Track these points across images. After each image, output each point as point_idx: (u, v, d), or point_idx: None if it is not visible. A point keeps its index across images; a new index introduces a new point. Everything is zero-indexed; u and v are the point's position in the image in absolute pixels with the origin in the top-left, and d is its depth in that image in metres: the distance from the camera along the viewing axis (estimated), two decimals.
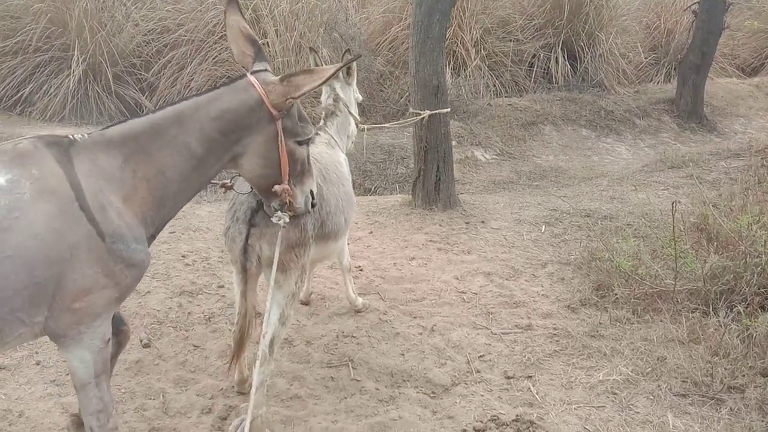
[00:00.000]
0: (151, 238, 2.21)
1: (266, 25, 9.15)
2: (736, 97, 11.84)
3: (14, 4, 9.02)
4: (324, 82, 2.28)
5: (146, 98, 9.10)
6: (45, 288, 1.91)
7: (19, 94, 8.74)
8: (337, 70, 2.27)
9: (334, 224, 3.18)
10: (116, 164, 2.08)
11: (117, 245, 2.01)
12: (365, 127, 4.12)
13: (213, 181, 3.19)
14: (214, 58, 9.05)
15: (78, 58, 8.71)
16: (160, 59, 9.21)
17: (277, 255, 2.60)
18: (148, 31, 9.45)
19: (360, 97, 4.08)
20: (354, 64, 3.90)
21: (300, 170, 2.51)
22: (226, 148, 2.27)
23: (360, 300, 4.15)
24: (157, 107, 2.25)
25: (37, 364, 3.42)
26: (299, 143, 2.44)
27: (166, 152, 2.15)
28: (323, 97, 3.94)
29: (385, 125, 5.96)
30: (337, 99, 3.86)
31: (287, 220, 2.55)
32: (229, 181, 2.83)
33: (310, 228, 2.90)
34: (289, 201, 2.49)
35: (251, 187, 2.68)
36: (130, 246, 2.04)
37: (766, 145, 7.82)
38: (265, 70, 2.37)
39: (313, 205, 2.66)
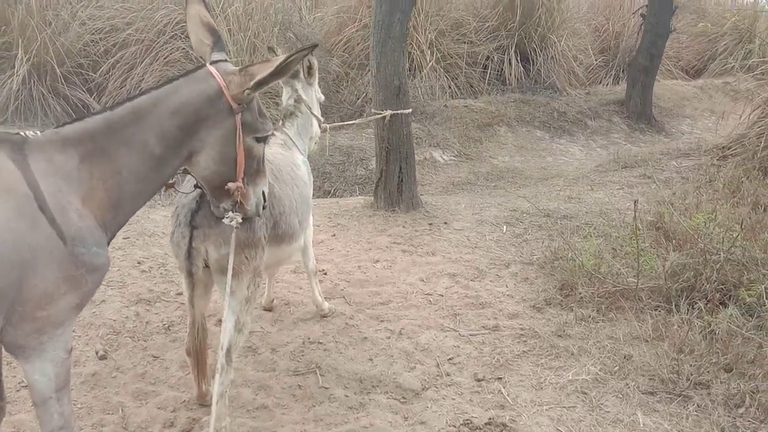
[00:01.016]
0: (107, 243, 2.09)
1: (219, 24, 8.93)
2: (682, 99, 12.21)
3: None
4: (277, 70, 2.17)
5: (94, 99, 8.77)
6: (5, 294, 1.78)
7: None
8: (288, 58, 2.15)
9: (288, 225, 3.08)
10: (73, 164, 1.96)
11: (78, 249, 1.90)
12: (328, 126, 4.04)
13: None
14: (165, 58, 8.79)
15: (22, 58, 8.34)
16: (108, 59, 8.90)
17: (231, 258, 2.49)
18: (96, 30, 9.12)
19: (323, 98, 3.98)
20: (315, 63, 3.81)
21: (255, 169, 2.41)
22: (184, 144, 2.16)
23: (326, 304, 4.06)
24: (113, 104, 2.12)
25: None
26: (257, 140, 2.34)
27: (123, 152, 2.04)
28: (284, 98, 3.83)
29: (348, 123, 5.89)
30: (298, 100, 3.76)
31: (240, 220, 2.43)
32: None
33: (259, 228, 2.79)
34: (240, 201, 2.38)
35: (195, 186, 2.57)
36: (90, 249, 1.93)
37: (714, 144, 8.06)
38: (225, 60, 2.28)
39: (264, 207, 2.56)
